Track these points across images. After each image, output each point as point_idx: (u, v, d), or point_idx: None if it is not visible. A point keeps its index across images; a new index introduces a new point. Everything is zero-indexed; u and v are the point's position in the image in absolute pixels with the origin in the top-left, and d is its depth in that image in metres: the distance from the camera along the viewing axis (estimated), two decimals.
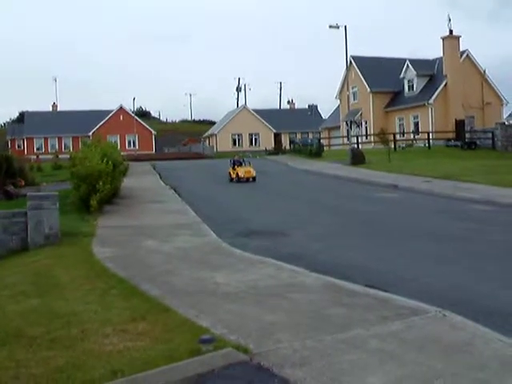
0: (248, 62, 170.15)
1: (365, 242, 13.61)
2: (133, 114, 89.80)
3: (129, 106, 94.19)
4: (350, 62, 57.38)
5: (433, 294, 8.67)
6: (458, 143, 48.21)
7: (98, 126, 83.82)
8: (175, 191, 24.42)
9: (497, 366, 5.68)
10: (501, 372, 5.54)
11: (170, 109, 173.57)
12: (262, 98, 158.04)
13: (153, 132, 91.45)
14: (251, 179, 29.20)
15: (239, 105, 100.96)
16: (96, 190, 18.00)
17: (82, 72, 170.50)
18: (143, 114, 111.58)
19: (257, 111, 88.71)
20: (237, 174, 29.69)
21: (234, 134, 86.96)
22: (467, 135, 49.53)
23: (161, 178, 31.74)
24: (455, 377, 5.42)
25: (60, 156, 56.00)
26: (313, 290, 8.69)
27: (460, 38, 53.96)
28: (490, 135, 48.65)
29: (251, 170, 29.86)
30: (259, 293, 8.60)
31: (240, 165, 30.74)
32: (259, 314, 7.51)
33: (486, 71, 55.97)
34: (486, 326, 6.86)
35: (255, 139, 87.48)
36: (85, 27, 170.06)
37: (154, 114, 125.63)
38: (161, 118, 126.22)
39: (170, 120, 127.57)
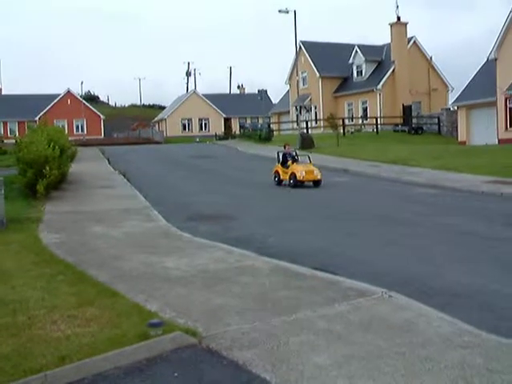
0: (198, 46, 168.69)
1: (315, 226, 13.78)
2: (81, 99, 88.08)
3: (77, 91, 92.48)
4: (300, 47, 57.50)
5: (380, 275, 8.85)
6: (406, 128, 49.08)
7: (44, 111, 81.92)
8: (124, 176, 24.17)
9: (438, 342, 5.86)
10: (442, 348, 5.72)
11: (118, 93, 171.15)
12: (212, 82, 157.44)
13: (101, 116, 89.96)
14: (314, 183, 21.14)
15: (189, 89, 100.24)
16: (43, 175, 17.67)
17: (28, 55, 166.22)
18: (91, 98, 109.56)
19: (207, 96, 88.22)
20: (293, 174, 20.97)
21: (184, 119, 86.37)
22: (414, 120, 50.42)
23: (109, 163, 31.35)
24: (399, 355, 5.57)
25: (6, 141, 54.64)
26: (262, 273, 8.77)
27: (407, 25, 54.72)
28: (436, 120, 49.66)
29: (314, 168, 21.32)
30: (208, 277, 8.63)
31: (295, 160, 22.01)
32: (208, 297, 7.54)
33: (433, 58, 56.95)
34: (430, 305, 7.05)
35: (205, 124, 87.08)
36: (31, 9, 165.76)
37: (102, 98, 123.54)
38: (110, 103, 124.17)
39: (119, 104, 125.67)
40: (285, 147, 23.05)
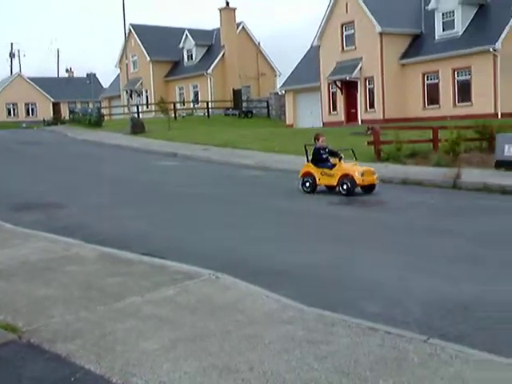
0: (22, 27, 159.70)
1: (142, 211, 13.60)
2: None
3: None
4: (130, 30, 56.51)
5: (209, 257, 8.92)
6: (236, 112, 50.03)
7: None
8: None
9: (264, 320, 6.02)
10: (267, 325, 5.88)
11: None
12: (39, 65, 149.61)
13: None
14: (369, 189, 15.52)
15: (13, 72, 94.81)
16: None
17: None
18: None
19: (33, 79, 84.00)
20: (348, 177, 15.14)
21: (9, 104, 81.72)
22: (244, 104, 51.52)
23: None
24: (226, 334, 5.64)
25: None
26: (88, 261, 8.51)
27: (236, 10, 55.67)
28: (265, 104, 51.10)
29: (371, 169, 15.91)
30: (32, 268, 8.22)
31: (336, 156, 15.92)
32: (31, 289, 7.18)
33: (261, 44, 58.45)
34: (257, 284, 7.23)
35: (32, 109, 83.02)
36: None
37: None
38: None
39: None
40: (317, 139, 16.30)
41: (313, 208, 13.83)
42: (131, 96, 56.20)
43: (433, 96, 37.10)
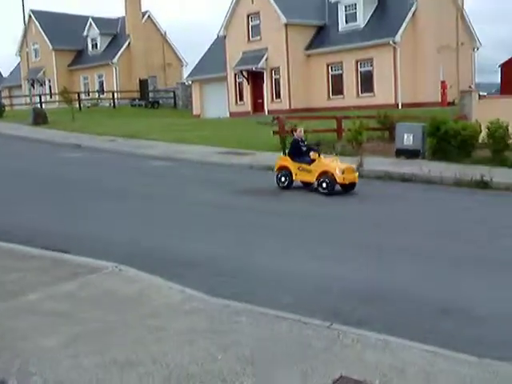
0: None
1: (44, 203, 13.18)
2: None
3: None
4: (30, 16, 54.48)
5: (111, 249, 8.77)
6: (142, 102, 49.35)
7: None
8: None
9: (167, 312, 5.98)
10: (171, 317, 5.84)
11: None
12: None
13: None
14: (349, 187, 14.18)
15: None
16: None
17: None
18: None
19: None
20: (328, 174, 13.90)
21: None
22: (151, 94, 50.88)
23: None
24: (129, 328, 5.56)
25: None
26: None
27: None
28: (172, 95, 50.67)
29: (352, 166, 14.70)
30: None
31: (312, 150, 14.62)
32: None
33: (167, 33, 57.72)
34: (162, 276, 7.16)
35: None
36: None
37: None
38: None
39: None
40: (294, 131, 15.20)
41: (208, 198, 13.85)
42: (33, 85, 54.21)
43: (337, 86, 37.90)
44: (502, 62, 43.39)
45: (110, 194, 14.28)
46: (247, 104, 41.25)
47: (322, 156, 14.36)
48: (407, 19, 34.81)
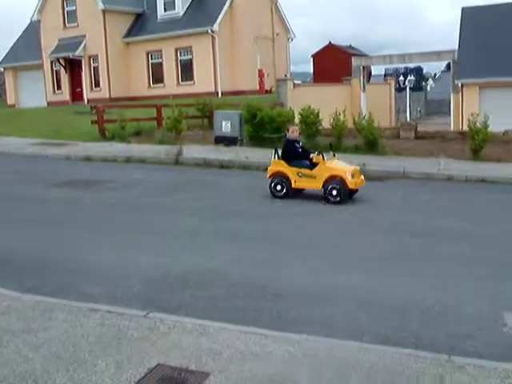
0: None
1: None
2: None
3: None
4: None
5: None
6: None
7: None
8: None
9: None
10: None
11: None
12: None
13: None
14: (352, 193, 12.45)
15: None
16: None
17: None
18: None
19: None
20: (337, 178, 12.09)
21: None
22: None
23: None
24: None
25: None
26: None
27: None
28: None
29: (358, 168, 12.98)
30: None
31: (307, 153, 12.80)
32: None
33: None
34: None
35: None
36: None
37: None
38: None
39: None
40: (287, 130, 13.08)
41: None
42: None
43: (157, 75, 37.72)
44: (314, 52, 45.87)
45: None
46: (65, 93, 39.77)
47: (326, 160, 12.47)
48: (225, 9, 35.44)
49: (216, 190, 13.45)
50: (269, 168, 12.78)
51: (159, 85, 37.38)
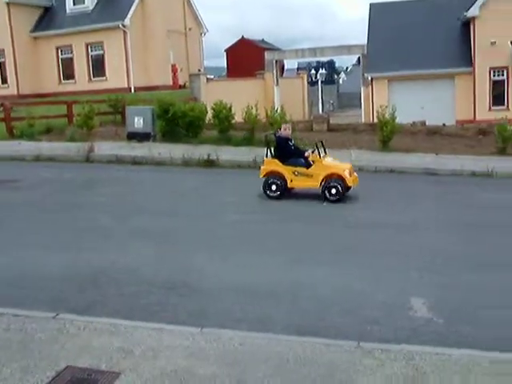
0: None
1: None
2: None
3: None
4: None
5: None
6: None
7: None
8: None
9: None
10: None
11: None
12: None
13: None
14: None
15: None
16: None
17: None
18: None
19: None
20: (336, 177, 11.85)
21: None
22: None
23: None
24: None
25: None
26: None
27: None
28: None
29: (351, 165, 12.73)
30: None
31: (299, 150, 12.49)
32: None
33: None
34: None
35: None
36: None
37: None
38: None
39: None
40: (279, 128, 13.13)
41: None
42: None
43: (68, 71, 36.68)
44: (227, 46, 45.96)
45: None
46: None
47: (322, 158, 12.12)
48: (136, 3, 34.85)
49: (128, 187, 13.28)
50: (262, 167, 12.32)
51: (70, 81, 36.40)
